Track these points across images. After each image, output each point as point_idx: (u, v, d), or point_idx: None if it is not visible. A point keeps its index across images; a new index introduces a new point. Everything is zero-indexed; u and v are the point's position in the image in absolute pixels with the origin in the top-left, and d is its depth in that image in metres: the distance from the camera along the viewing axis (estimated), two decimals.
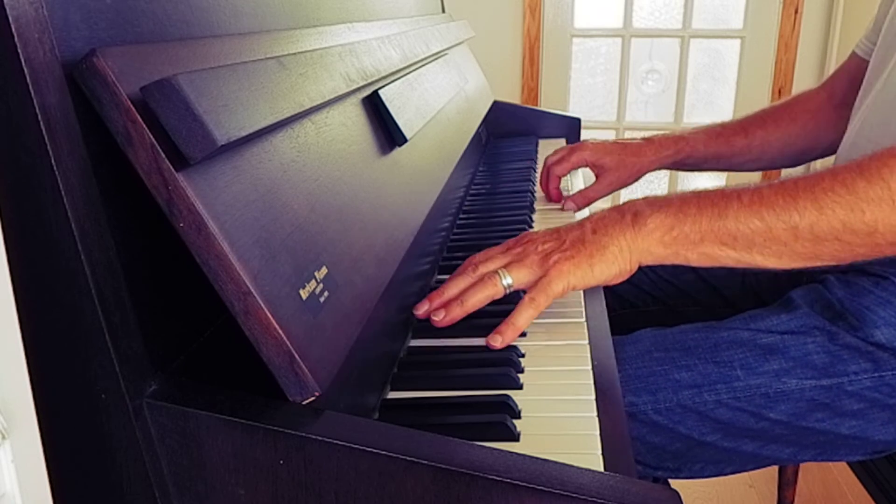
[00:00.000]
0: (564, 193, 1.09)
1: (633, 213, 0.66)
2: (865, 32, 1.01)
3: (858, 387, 0.73)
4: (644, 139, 1.07)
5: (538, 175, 1.17)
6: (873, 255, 0.63)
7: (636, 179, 1.07)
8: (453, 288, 0.68)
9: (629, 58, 2.44)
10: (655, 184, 2.54)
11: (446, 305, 0.67)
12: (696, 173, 2.49)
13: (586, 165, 1.07)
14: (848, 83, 1.04)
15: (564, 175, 1.09)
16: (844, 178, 0.61)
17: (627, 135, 2.48)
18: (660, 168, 1.08)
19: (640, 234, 0.65)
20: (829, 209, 0.60)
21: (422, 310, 0.68)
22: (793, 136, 1.05)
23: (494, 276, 0.67)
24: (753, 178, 2.49)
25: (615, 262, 0.65)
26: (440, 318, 0.66)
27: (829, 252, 0.62)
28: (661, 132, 1.09)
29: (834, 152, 1.06)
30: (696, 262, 0.65)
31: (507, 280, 0.67)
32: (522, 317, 0.64)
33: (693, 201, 0.65)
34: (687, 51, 2.41)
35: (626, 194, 1.17)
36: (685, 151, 1.05)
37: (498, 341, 0.64)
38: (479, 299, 0.66)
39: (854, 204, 0.59)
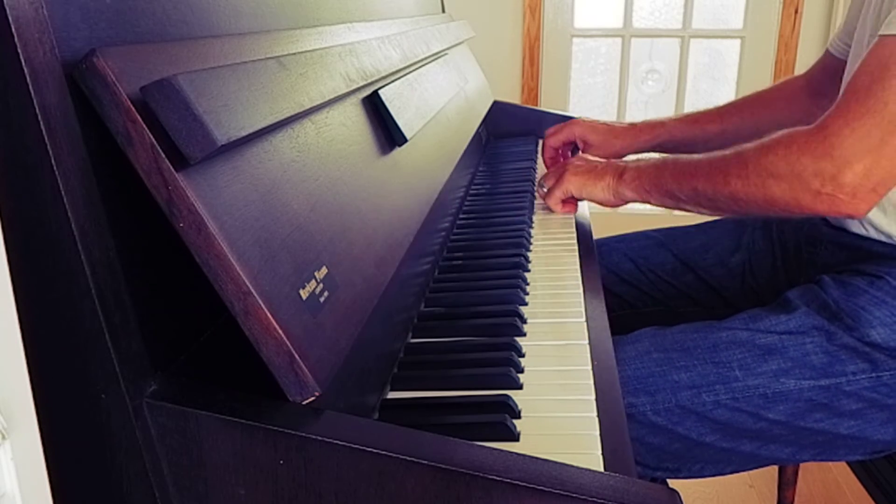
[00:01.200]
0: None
1: (624, 167, 0.92)
2: (837, 32, 1.03)
3: (856, 387, 0.73)
4: (629, 124, 1.17)
5: (538, 176, 1.18)
6: (753, 215, 0.82)
7: (617, 158, 1.12)
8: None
9: (629, 58, 2.44)
10: None
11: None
12: None
13: (575, 139, 1.17)
14: (825, 76, 1.07)
15: (557, 146, 1.19)
16: (727, 157, 0.80)
17: None
18: (639, 151, 1.15)
19: (618, 182, 0.92)
20: (713, 178, 0.81)
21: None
22: (764, 121, 1.09)
23: (540, 186, 1.05)
24: None
25: (601, 192, 0.94)
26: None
27: (722, 209, 0.83)
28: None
29: None
30: (656, 204, 0.89)
31: (543, 186, 1.03)
32: (552, 197, 1.00)
33: (654, 164, 0.89)
34: (687, 51, 2.40)
35: None
36: (662, 136, 1.15)
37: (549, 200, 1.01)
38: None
39: (725, 178, 0.79)
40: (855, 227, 0.84)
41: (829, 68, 1.05)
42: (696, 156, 0.85)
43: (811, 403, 0.74)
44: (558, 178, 0.99)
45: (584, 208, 1.10)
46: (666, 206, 0.89)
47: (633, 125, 1.17)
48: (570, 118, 1.52)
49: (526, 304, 0.76)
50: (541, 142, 1.48)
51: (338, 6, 0.78)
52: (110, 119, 0.38)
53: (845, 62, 0.99)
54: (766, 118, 1.09)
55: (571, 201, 1.02)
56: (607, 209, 0.98)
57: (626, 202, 0.92)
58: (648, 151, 1.16)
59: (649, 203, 0.90)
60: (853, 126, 0.70)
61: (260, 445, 0.40)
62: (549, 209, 1.07)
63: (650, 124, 1.16)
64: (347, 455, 0.40)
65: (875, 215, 0.81)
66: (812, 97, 1.08)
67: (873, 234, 0.82)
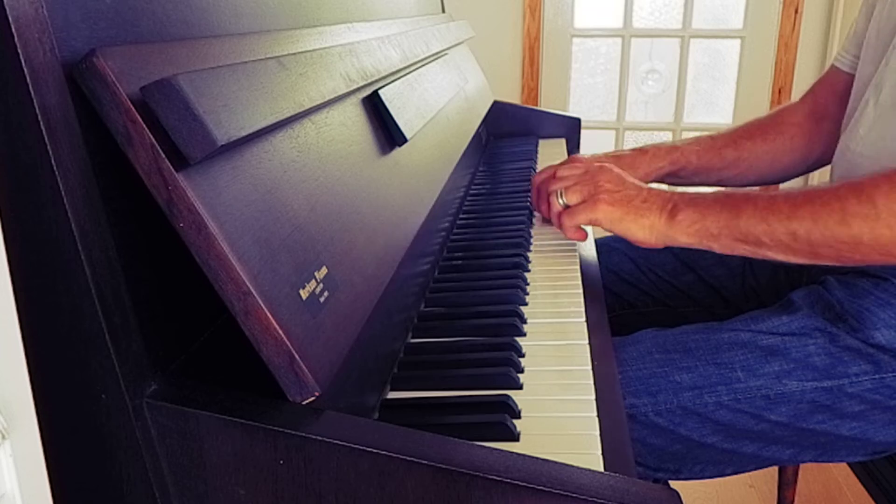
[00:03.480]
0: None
1: (673, 203, 0.77)
2: (844, 45, 0.99)
3: (859, 388, 0.73)
4: (637, 150, 1.05)
5: None
6: (866, 263, 0.69)
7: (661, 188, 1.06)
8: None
9: (629, 58, 2.44)
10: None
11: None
12: None
13: None
14: (830, 96, 1.02)
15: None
16: (840, 195, 0.68)
17: (627, 135, 2.48)
18: (655, 181, 1.05)
19: (669, 223, 0.76)
20: (823, 220, 0.68)
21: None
22: (780, 149, 1.04)
23: (554, 196, 0.85)
24: None
25: (643, 230, 0.77)
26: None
27: (824, 255, 0.70)
28: (662, 133, 1.08)
29: (820, 167, 1.06)
30: (719, 251, 0.75)
31: (563, 200, 0.84)
32: (570, 222, 0.82)
33: (720, 201, 0.74)
34: (687, 51, 2.40)
35: None
36: (679, 163, 1.04)
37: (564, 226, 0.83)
38: (544, 211, 0.90)
39: (843, 217, 0.67)
40: None
41: (835, 86, 1.01)
42: (777, 192, 0.72)
43: (813, 405, 0.74)
44: (586, 200, 0.80)
45: None
46: (734, 252, 0.74)
47: (642, 151, 1.05)
48: (571, 118, 1.53)
49: (526, 304, 0.76)
50: (541, 142, 1.48)
51: (338, 6, 0.78)
52: (110, 119, 0.38)
53: (852, 76, 0.97)
54: (782, 145, 1.04)
55: (584, 229, 0.87)
56: None
57: (682, 246, 0.77)
58: (664, 182, 1.07)
59: (710, 249, 0.75)
60: None
61: (260, 445, 0.40)
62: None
63: (663, 149, 1.05)
64: (347, 455, 0.40)
65: None
66: (814, 120, 1.04)
67: None
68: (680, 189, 0.84)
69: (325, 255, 0.48)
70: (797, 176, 1.09)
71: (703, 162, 1.05)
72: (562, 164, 1.02)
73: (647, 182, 1.01)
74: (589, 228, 0.99)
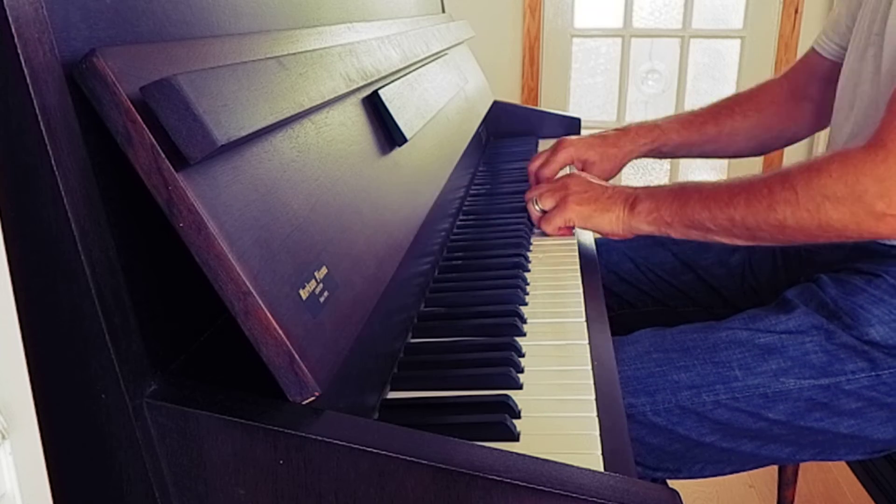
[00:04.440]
0: None
1: (634, 197, 0.86)
2: (825, 30, 1.02)
3: (856, 386, 0.73)
4: (620, 129, 1.12)
5: None
6: (797, 242, 0.77)
7: (620, 169, 1.13)
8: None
9: (629, 58, 2.44)
10: (654, 175, 2.54)
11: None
12: (699, 162, 2.51)
13: (572, 162, 1.10)
14: (807, 77, 1.06)
15: (554, 176, 1.07)
16: (770, 182, 0.75)
17: None
18: (639, 157, 1.13)
19: (631, 214, 0.85)
20: (754, 206, 0.75)
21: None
22: (758, 126, 1.10)
23: (531, 203, 0.95)
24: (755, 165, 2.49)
25: (608, 224, 0.87)
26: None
27: (762, 238, 0.77)
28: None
29: (795, 142, 1.13)
30: (677, 237, 0.83)
31: (538, 206, 0.94)
32: (548, 226, 0.92)
33: (674, 192, 0.83)
34: (687, 51, 2.40)
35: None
36: (660, 140, 1.11)
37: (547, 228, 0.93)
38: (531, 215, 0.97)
39: (770, 203, 0.74)
40: None
41: (815, 69, 1.05)
42: (719, 182, 0.80)
43: (811, 403, 0.74)
44: (558, 204, 0.91)
45: None
46: (689, 238, 0.83)
47: (625, 130, 1.12)
48: (571, 118, 1.53)
49: (526, 304, 0.76)
50: (541, 142, 1.48)
51: (338, 6, 0.78)
52: (110, 119, 0.38)
53: (832, 62, 0.99)
54: (760, 122, 1.10)
55: (568, 228, 0.94)
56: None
57: (639, 234, 0.86)
58: (648, 157, 1.15)
59: (669, 236, 0.84)
60: None
61: (260, 445, 0.40)
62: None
63: (645, 127, 1.12)
64: (347, 455, 0.40)
65: None
66: (794, 100, 1.08)
67: None
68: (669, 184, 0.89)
69: (325, 255, 0.48)
70: (774, 150, 1.15)
71: (683, 138, 1.12)
72: (554, 148, 1.10)
73: (633, 158, 1.14)
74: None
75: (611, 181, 1.16)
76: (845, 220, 0.70)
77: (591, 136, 1.12)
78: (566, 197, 0.90)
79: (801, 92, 1.07)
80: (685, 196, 0.81)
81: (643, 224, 0.84)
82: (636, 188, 0.87)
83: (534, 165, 1.10)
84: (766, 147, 1.13)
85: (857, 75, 0.84)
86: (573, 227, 0.94)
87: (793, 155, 2.25)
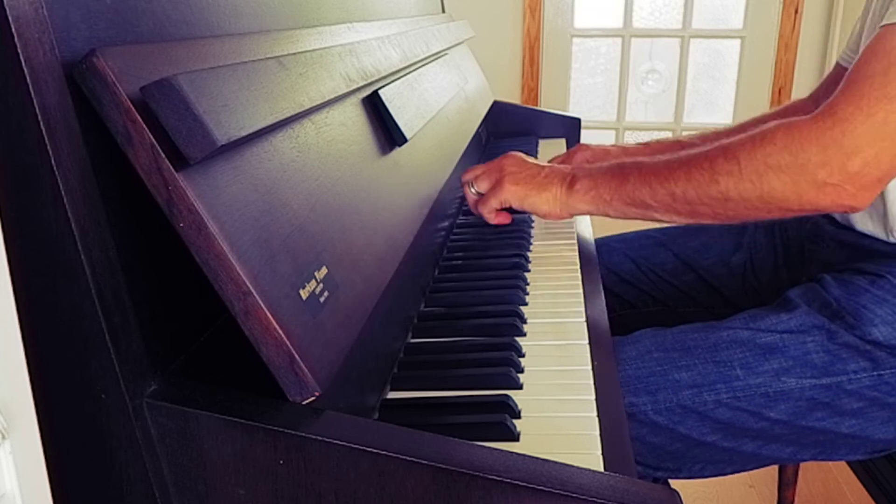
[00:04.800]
0: None
1: (572, 176, 0.82)
2: (848, 42, 1.01)
3: (858, 385, 0.73)
4: (642, 144, 1.10)
5: None
6: (740, 219, 0.74)
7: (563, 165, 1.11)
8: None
9: (629, 58, 2.44)
10: None
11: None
12: None
13: None
14: (830, 93, 1.03)
15: None
16: (711, 155, 0.73)
17: (627, 135, 2.48)
18: None
19: (569, 193, 0.82)
20: (695, 179, 0.73)
21: None
22: None
23: (468, 186, 0.91)
24: None
25: (545, 204, 0.83)
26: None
27: (703, 213, 0.74)
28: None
29: None
30: (615, 216, 0.80)
31: (474, 188, 0.91)
32: (484, 208, 0.89)
33: (612, 170, 0.80)
34: (687, 51, 2.40)
35: None
36: None
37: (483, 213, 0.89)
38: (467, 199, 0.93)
39: (712, 175, 0.72)
40: (860, 224, 0.84)
41: (836, 84, 1.03)
42: (659, 157, 0.77)
43: (812, 402, 0.74)
44: (494, 185, 0.87)
45: None
46: (628, 217, 0.80)
47: (647, 145, 1.09)
48: (571, 118, 1.53)
49: (526, 304, 0.76)
50: (541, 142, 1.48)
51: (338, 6, 0.78)
52: (110, 119, 0.38)
53: None
54: None
55: (505, 212, 0.92)
56: None
57: (577, 215, 0.84)
58: None
59: (607, 215, 0.80)
60: (868, 112, 0.66)
61: (260, 445, 0.40)
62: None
63: (666, 143, 1.08)
64: (347, 455, 0.40)
65: (876, 216, 0.81)
66: None
67: (880, 233, 0.82)
68: None
69: (325, 255, 0.48)
70: None
71: None
72: (572, 152, 1.11)
73: None
74: (588, 227, 1.00)
75: None
76: (787, 191, 0.69)
77: (613, 145, 1.12)
78: (501, 178, 0.87)
79: None
80: (624, 173, 0.78)
81: (581, 203, 0.81)
82: (574, 168, 0.84)
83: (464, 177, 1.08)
84: None
85: None
86: (512, 211, 0.91)
87: None
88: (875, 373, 0.73)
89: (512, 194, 0.85)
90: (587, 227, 1.00)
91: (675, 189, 0.74)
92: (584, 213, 0.83)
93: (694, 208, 0.74)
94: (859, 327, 0.73)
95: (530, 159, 0.89)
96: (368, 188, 0.61)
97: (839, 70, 1.03)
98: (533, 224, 1.01)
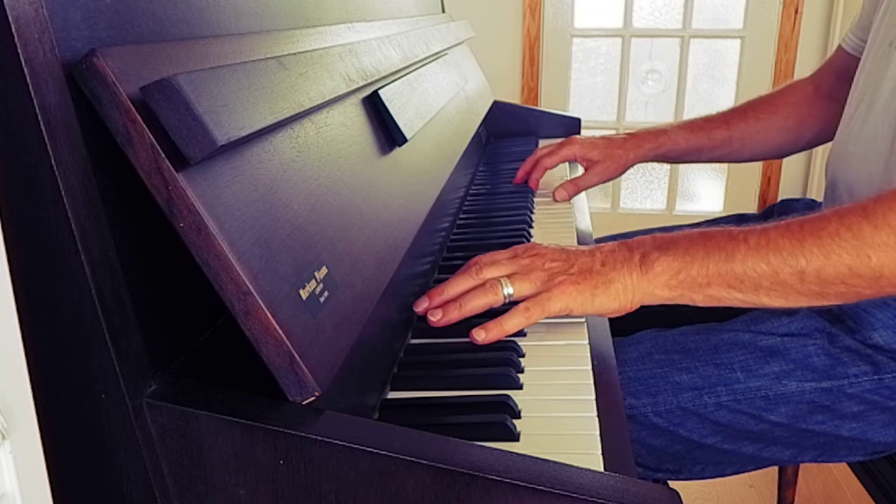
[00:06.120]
0: (543, 188, 1.14)
1: (642, 253, 0.65)
2: (851, 27, 1.01)
3: (858, 389, 0.73)
4: (627, 134, 1.12)
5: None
6: (878, 296, 0.63)
7: (623, 172, 1.12)
8: (454, 287, 0.67)
9: (629, 58, 2.44)
10: (654, 175, 2.54)
11: (444, 306, 0.65)
12: (698, 166, 2.50)
13: (575, 159, 1.12)
14: (835, 77, 1.05)
15: (553, 167, 1.13)
16: (850, 223, 0.60)
17: None
18: (643, 161, 1.12)
19: (646, 277, 0.64)
20: (836, 254, 0.59)
21: (421, 307, 0.67)
22: (774, 128, 1.08)
23: (497, 284, 0.65)
24: (753, 175, 2.50)
25: (617, 297, 0.64)
26: (437, 319, 0.65)
27: (834, 293, 0.62)
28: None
29: (815, 145, 1.10)
30: (702, 303, 0.64)
31: (509, 290, 0.65)
32: (511, 322, 0.63)
33: (700, 243, 0.64)
34: (687, 51, 2.41)
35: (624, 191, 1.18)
36: (666, 146, 1.09)
37: (481, 336, 0.63)
38: (477, 305, 0.65)
39: (860, 249, 0.59)
40: None
41: (841, 68, 1.03)
42: (762, 227, 0.63)
43: (813, 405, 0.74)
44: (542, 291, 0.65)
45: (584, 204, 1.10)
46: (720, 304, 0.64)
47: (632, 135, 1.11)
48: (571, 118, 1.53)
49: None
50: (541, 142, 1.48)
51: (338, 6, 0.78)
52: (110, 119, 0.38)
53: (859, 59, 0.98)
54: (773, 123, 1.08)
55: (563, 185, 0.86)
56: (607, 207, 0.85)
57: (657, 304, 0.65)
58: (652, 160, 1.13)
59: (692, 303, 0.64)
60: None
61: (260, 445, 0.40)
62: (547, 204, 1.08)
63: (651, 132, 1.11)
64: (347, 455, 0.40)
65: None
66: (821, 100, 1.06)
67: None
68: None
69: (325, 255, 0.48)
70: (793, 153, 1.13)
71: (690, 144, 1.09)
72: (561, 143, 1.12)
73: (637, 162, 1.11)
74: (588, 227, 1.00)
75: (610, 184, 1.18)
76: None
77: (599, 137, 1.13)
78: (553, 280, 0.65)
79: (827, 91, 1.06)
80: (723, 248, 0.63)
81: (663, 289, 0.64)
82: (629, 241, 0.67)
83: (542, 152, 1.12)
84: (783, 150, 1.11)
85: (880, 73, 0.83)
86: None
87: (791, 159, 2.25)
88: (876, 376, 0.73)
89: (573, 299, 0.64)
90: (587, 227, 1.00)
91: (805, 267, 0.60)
92: (659, 302, 0.65)
93: (824, 290, 0.61)
94: (860, 331, 0.73)
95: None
96: (368, 188, 0.61)
97: (839, 53, 1.04)
98: (533, 224, 1.01)
